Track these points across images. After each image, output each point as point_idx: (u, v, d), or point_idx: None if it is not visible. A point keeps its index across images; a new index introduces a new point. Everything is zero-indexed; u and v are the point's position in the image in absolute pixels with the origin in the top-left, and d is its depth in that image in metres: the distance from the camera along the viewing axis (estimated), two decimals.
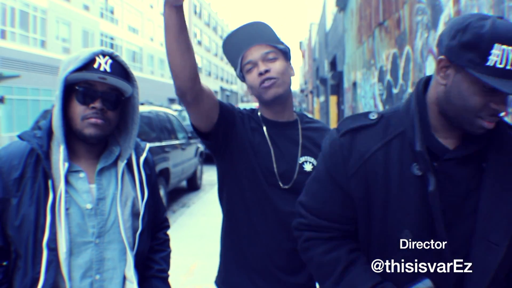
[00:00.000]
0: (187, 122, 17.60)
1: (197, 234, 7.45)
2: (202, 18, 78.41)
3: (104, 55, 2.02)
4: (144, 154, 2.28)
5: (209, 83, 78.72)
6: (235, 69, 2.48)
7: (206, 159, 15.87)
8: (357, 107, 17.97)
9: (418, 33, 8.75)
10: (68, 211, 1.97)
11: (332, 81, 27.64)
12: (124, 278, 2.10)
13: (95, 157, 2.13)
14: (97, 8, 42.11)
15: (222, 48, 2.47)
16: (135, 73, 2.48)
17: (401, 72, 10.34)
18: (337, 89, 27.44)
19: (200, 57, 75.53)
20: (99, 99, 1.99)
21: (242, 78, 2.47)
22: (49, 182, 1.95)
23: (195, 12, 73.72)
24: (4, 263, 2.01)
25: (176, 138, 11.88)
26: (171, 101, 58.92)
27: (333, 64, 29.97)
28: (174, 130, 11.94)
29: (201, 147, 14.45)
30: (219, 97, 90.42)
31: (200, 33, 76.50)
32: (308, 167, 2.40)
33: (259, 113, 2.54)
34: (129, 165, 2.20)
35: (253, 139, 2.43)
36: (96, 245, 2.03)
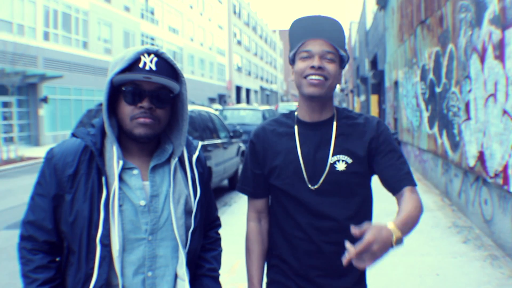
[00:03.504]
0: (228, 121, 17.65)
1: (239, 233, 7.39)
2: (242, 18, 78.69)
3: (149, 54, 1.99)
4: (197, 153, 2.27)
5: (249, 82, 79.03)
6: (290, 50, 2.40)
7: None
8: (399, 106, 17.73)
9: (462, 30, 8.53)
10: (121, 208, 1.97)
11: (373, 80, 27.37)
12: (176, 276, 2.09)
13: (148, 155, 2.12)
14: (138, 9, 42.61)
15: (290, 26, 2.39)
16: None
17: (444, 70, 10.12)
18: (378, 88, 27.18)
19: (240, 57, 75.81)
20: (146, 98, 1.97)
21: (292, 62, 2.39)
22: (103, 179, 1.96)
23: (235, 12, 74.01)
24: (57, 259, 2.04)
25: (218, 137, 11.88)
26: (211, 100, 59.29)
27: (373, 63, 29.72)
28: (216, 129, 11.95)
29: (243, 146, 14.43)
30: (259, 96, 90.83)
31: (239, 32, 76.77)
32: (340, 166, 2.30)
33: (296, 113, 2.49)
34: (181, 162, 2.18)
35: (280, 146, 2.41)
36: (149, 242, 2.02)
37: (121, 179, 2.00)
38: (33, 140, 29.46)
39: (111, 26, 38.16)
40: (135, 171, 2.04)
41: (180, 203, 2.08)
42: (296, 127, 2.42)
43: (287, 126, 2.45)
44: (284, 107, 39.94)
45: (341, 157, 2.31)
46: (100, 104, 10.17)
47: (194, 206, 2.13)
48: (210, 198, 2.38)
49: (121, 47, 39.66)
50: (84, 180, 1.96)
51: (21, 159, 21.09)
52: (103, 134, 2.05)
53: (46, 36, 30.21)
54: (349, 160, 2.31)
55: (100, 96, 35.78)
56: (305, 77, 2.28)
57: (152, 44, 46.03)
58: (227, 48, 71.32)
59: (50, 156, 2.03)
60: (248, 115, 19.03)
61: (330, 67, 2.28)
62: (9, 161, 20.28)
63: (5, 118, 26.50)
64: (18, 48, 22.51)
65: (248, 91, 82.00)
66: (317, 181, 2.30)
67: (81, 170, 1.97)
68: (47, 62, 29.82)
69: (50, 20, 30.66)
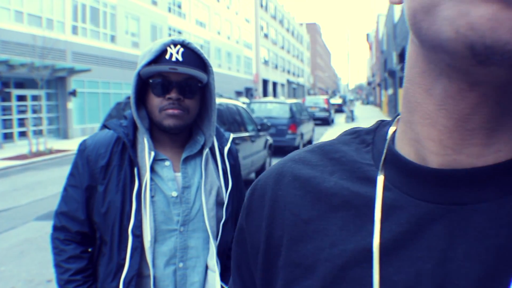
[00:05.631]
0: (255, 115, 17.64)
1: None
2: (269, 11, 78.49)
3: (175, 45, 1.99)
4: (228, 144, 2.28)
5: (275, 75, 78.91)
6: None
7: (274, 151, 15.76)
8: None
9: None
10: (153, 199, 1.99)
11: (401, 73, 27.12)
12: (206, 267, 2.10)
13: (180, 146, 2.14)
14: (165, 3, 42.76)
15: None
16: None
17: None
18: None
19: (267, 50, 75.70)
20: (174, 89, 1.98)
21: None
22: (135, 170, 1.99)
23: (261, 5, 73.86)
24: (89, 249, 2.10)
25: (246, 130, 11.84)
26: (238, 94, 59.30)
27: (402, 56, 29.45)
28: (243, 122, 11.92)
29: (270, 140, 14.34)
30: (285, 90, 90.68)
31: (266, 26, 76.61)
32: None
33: (388, 136, 0.75)
34: (212, 154, 2.19)
35: (326, 242, 0.97)
36: (180, 233, 2.04)
37: (153, 170, 2.03)
38: (62, 133, 29.80)
39: (138, 20, 38.35)
40: (167, 163, 2.06)
41: (212, 194, 2.09)
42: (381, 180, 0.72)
43: (359, 177, 0.73)
44: (311, 101, 39.65)
45: None
46: (129, 97, 10.22)
47: (225, 197, 2.13)
48: (241, 190, 2.36)
49: (148, 41, 39.85)
50: (117, 172, 1.99)
51: (50, 151, 21.32)
52: (135, 125, 2.08)
53: (74, 30, 30.49)
54: None
55: (128, 90, 36.02)
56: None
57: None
58: (254, 41, 71.22)
59: (83, 148, 2.07)
60: (275, 108, 18.94)
61: None
62: (38, 154, 20.52)
63: (34, 111, 26.82)
64: (47, 42, 22.73)
65: (275, 84, 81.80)
66: None
67: (113, 162, 2.01)
68: (76, 56, 30.10)
69: (79, 15, 30.93)
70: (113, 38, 34.80)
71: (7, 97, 25.42)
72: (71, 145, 24.71)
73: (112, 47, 34.27)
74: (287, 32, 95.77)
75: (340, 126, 34.49)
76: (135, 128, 2.07)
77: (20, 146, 24.43)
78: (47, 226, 9.16)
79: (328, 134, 27.12)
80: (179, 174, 2.07)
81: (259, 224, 0.79)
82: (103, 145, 2.03)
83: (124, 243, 1.95)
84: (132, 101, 2.02)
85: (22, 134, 26.20)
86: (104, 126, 2.12)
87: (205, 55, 2.07)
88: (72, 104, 30.04)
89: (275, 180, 0.81)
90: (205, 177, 2.08)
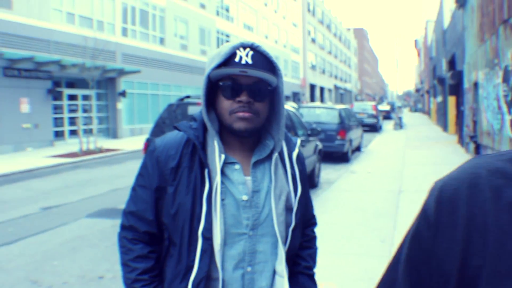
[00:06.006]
0: (305, 119, 17.59)
1: (318, 229, 7.41)
2: (316, 16, 78.28)
3: (244, 48, 1.98)
4: (297, 149, 2.24)
5: (323, 80, 78.66)
6: None
7: (324, 157, 15.65)
8: (479, 108, 17.22)
9: None
10: (223, 202, 1.98)
11: (451, 80, 26.66)
12: (274, 272, 2.09)
13: (249, 150, 2.12)
14: (213, 6, 43.06)
15: None
16: None
17: None
18: (456, 89, 26.44)
19: (314, 55, 75.50)
20: (244, 92, 1.96)
21: None
22: (205, 172, 1.97)
23: (309, 10, 73.70)
24: (156, 250, 2.09)
25: (296, 135, 11.70)
26: (286, 98, 59.14)
27: (451, 63, 28.92)
28: (294, 127, 11.82)
29: (320, 145, 14.26)
30: (333, 95, 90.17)
31: (314, 30, 76.41)
32: None
33: None
34: (281, 159, 2.16)
35: None
36: (249, 237, 2.02)
37: (222, 173, 2.01)
38: (111, 133, 30.34)
39: (187, 23, 38.73)
40: (237, 166, 2.05)
41: (281, 199, 2.06)
42: None
43: None
44: (359, 107, 39.25)
45: None
46: (181, 99, 10.33)
47: (295, 203, 2.10)
48: (308, 195, 2.34)
49: (197, 44, 40.20)
50: (187, 173, 1.99)
51: (100, 150, 21.71)
52: (204, 128, 2.06)
53: (124, 32, 31.02)
54: None
55: (176, 91, 36.43)
56: None
57: (227, 41, 46.40)
58: (301, 46, 71.11)
59: (152, 149, 2.07)
60: (324, 113, 18.84)
61: None
62: (88, 152, 20.93)
63: (85, 111, 27.37)
64: (98, 44, 23.18)
65: (322, 89, 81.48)
66: None
67: (183, 163, 2.00)
68: (125, 58, 30.62)
69: (128, 17, 31.46)
70: (162, 41, 35.24)
71: (58, 96, 26.03)
72: (121, 145, 25.13)
73: (161, 49, 34.72)
74: (335, 37, 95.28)
75: (388, 133, 34.10)
76: (204, 130, 2.06)
77: (70, 144, 24.98)
78: (98, 224, 9.36)
79: (376, 141, 26.87)
80: (249, 178, 2.05)
81: (450, 247, 0.68)
82: (173, 147, 2.03)
83: (193, 245, 1.95)
84: (202, 103, 2.02)
85: (73, 133, 26.77)
86: (174, 128, 2.12)
87: (274, 59, 2.07)
88: (121, 105, 30.54)
89: (469, 194, 0.68)
90: (275, 181, 2.07)
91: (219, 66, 1.96)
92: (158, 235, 2.08)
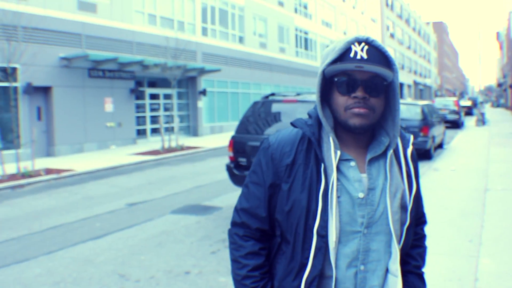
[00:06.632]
0: None
1: None
2: (395, 10, 77.04)
3: (359, 42, 1.93)
4: (411, 146, 2.16)
5: (402, 76, 77.35)
6: None
7: None
8: None
9: None
10: (339, 199, 1.95)
11: None
12: (386, 271, 2.04)
13: (363, 146, 2.06)
14: (292, 3, 43.08)
15: None
16: None
17: None
18: None
19: (393, 50, 74.34)
20: (360, 88, 1.91)
21: None
22: (321, 169, 1.95)
23: (387, 5, 72.61)
24: (267, 247, 2.10)
25: None
26: None
27: None
28: None
29: None
30: (412, 91, 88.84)
31: (392, 25, 75.24)
32: None
33: None
34: (395, 156, 2.10)
35: None
36: (363, 235, 1.97)
37: (338, 170, 1.97)
38: (192, 131, 30.83)
39: (266, 21, 38.89)
40: (353, 163, 2.00)
41: (396, 197, 2.00)
42: None
43: None
44: (440, 102, 38.21)
45: None
46: (266, 97, 10.29)
47: (410, 201, 2.04)
48: (420, 193, 2.25)
49: (275, 42, 40.31)
50: (302, 170, 1.97)
51: (181, 148, 22.10)
52: (319, 124, 2.03)
53: (204, 31, 31.45)
54: None
55: (255, 89, 36.71)
56: None
57: (306, 38, 46.53)
58: (380, 41, 69.98)
59: (266, 146, 2.08)
60: (406, 109, 18.33)
61: None
62: (170, 150, 21.34)
63: (166, 109, 27.93)
64: (179, 44, 23.55)
65: (401, 85, 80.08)
66: None
67: (298, 160, 1.98)
68: (206, 57, 31.06)
69: (208, 17, 31.89)
70: (241, 39, 35.55)
71: (140, 96, 26.69)
72: (201, 143, 25.52)
73: (240, 48, 35.06)
74: (414, 32, 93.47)
75: (471, 130, 32.98)
76: (319, 126, 2.03)
77: (152, 142, 25.59)
78: (183, 220, 9.46)
79: (459, 138, 26.12)
80: (364, 175, 2.00)
81: None
82: (287, 144, 2.02)
83: (308, 242, 1.93)
84: (317, 99, 1.98)
85: (154, 131, 27.42)
86: (291, 124, 2.10)
87: (390, 53, 1.98)
88: (201, 103, 31.00)
89: None
90: (390, 179, 2.01)
91: (334, 62, 1.93)
92: (269, 232, 2.08)
